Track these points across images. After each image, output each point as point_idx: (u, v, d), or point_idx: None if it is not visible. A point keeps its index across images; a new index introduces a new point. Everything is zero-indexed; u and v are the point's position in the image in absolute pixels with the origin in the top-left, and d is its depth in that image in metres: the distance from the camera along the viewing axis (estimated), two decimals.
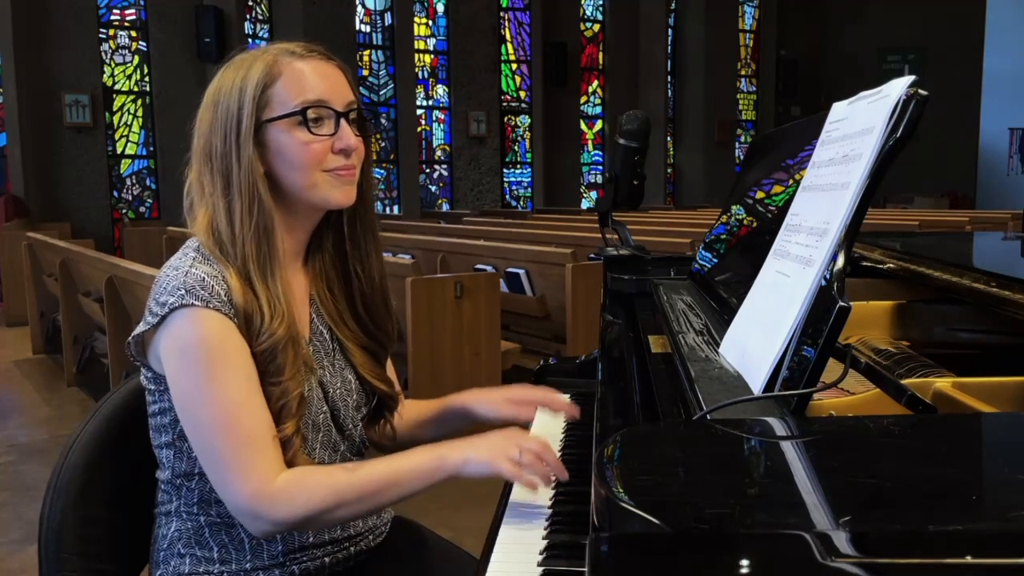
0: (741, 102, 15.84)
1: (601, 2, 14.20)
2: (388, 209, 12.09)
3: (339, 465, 1.20)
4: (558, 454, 1.31)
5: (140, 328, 1.13)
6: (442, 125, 12.76)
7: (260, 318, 1.12)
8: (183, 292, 1.09)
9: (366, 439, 1.32)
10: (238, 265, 1.13)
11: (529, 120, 13.54)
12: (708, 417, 0.81)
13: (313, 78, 1.16)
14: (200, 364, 1.09)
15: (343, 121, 1.17)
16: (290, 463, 1.12)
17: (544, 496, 1.15)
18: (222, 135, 1.14)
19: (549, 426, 1.50)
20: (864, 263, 1.52)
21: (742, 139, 15.75)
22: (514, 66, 13.35)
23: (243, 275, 1.13)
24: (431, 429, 1.42)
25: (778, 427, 0.74)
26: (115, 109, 9.91)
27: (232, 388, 1.09)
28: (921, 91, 0.79)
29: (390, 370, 1.36)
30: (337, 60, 1.22)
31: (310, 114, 1.14)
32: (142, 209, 10.22)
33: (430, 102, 12.62)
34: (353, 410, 1.27)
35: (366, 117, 1.23)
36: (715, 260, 1.47)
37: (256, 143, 1.14)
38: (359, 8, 11.59)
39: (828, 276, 0.81)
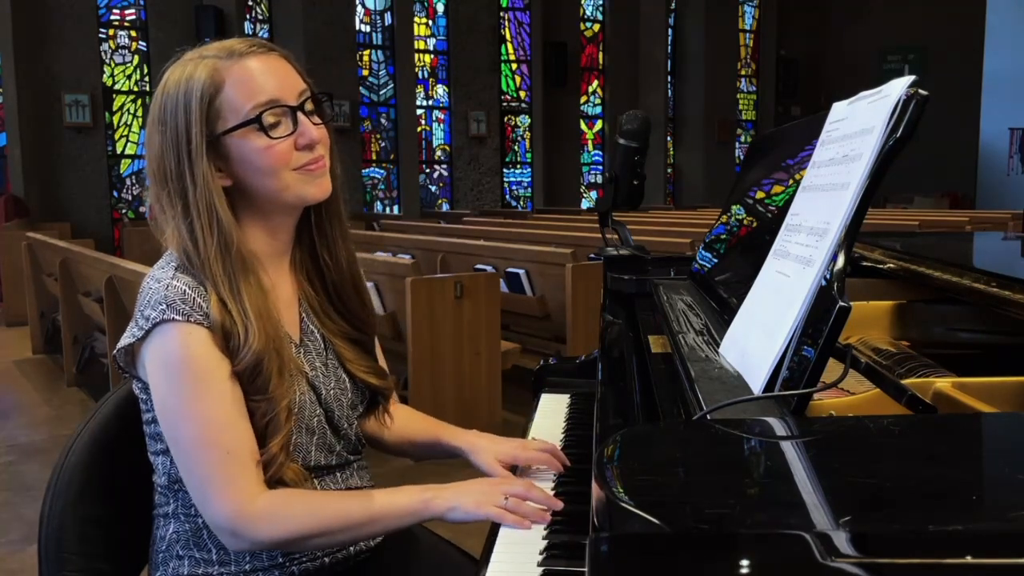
0: (741, 102, 15.84)
1: (601, 2, 14.20)
2: (388, 209, 12.09)
3: (325, 493, 1.20)
4: None
5: (126, 340, 1.12)
6: (442, 125, 12.76)
7: (237, 336, 1.10)
8: (164, 307, 1.08)
9: (363, 439, 1.32)
10: (211, 279, 1.11)
11: (529, 120, 13.54)
12: (708, 417, 0.81)
13: (260, 77, 1.12)
14: (182, 381, 1.08)
15: (300, 115, 1.13)
16: (277, 480, 1.11)
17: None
18: (174, 154, 1.10)
19: (549, 427, 1.51)
20: (864, 263, 1.52)
21: (742, 139, 15.74)
22: (514, 66, 13.34)
23: (216, 292, 1.11)
24: (421, 451, 1.41)
25: (778, 427, 0.74)
26: (115, 109, 9.91)
27: (213, 405, 1.08)
28: (921, 91, 0.79)
29: (380, 359, 1.35)
30: (279, 50, 1.17)
31: (265, 118, 1.11)
32: (142, 209, 10.20)
33: (430, 102, 12.62)
34: (348, 409, 1.26)
35: (321, 100, 1.18)
36: (715, 260, 1.47)
37: (216, 156, 1.12)
38: (359, 8, 11.59)
39: (828, 276, 0.81)
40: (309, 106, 1.16)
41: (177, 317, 1.07)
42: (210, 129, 1.10)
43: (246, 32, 10.33)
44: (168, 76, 1.14)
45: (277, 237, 1.21)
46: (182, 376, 1.08)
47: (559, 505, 1.10)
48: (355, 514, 1.10)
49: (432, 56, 12.58)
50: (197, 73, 1.11)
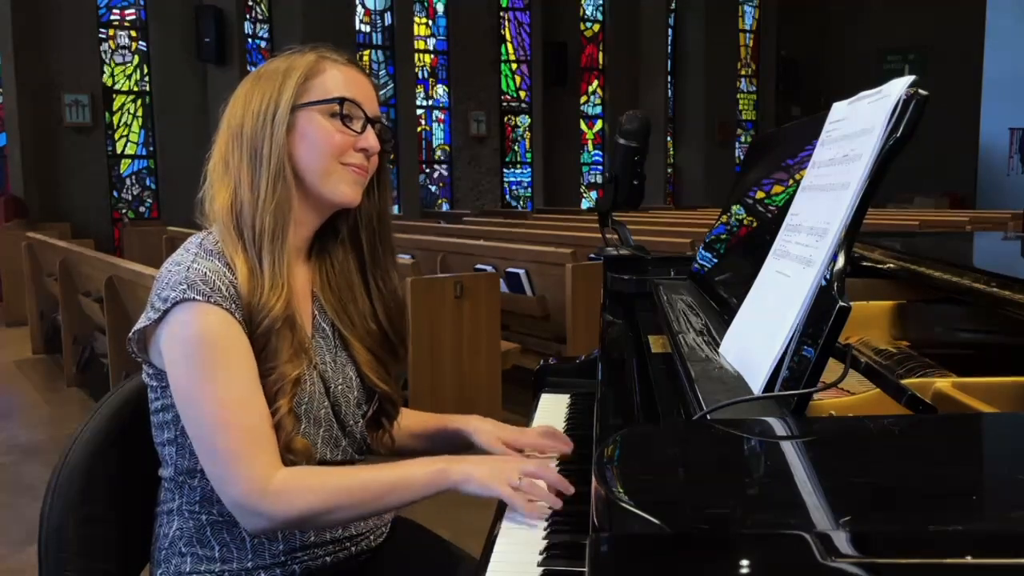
0: (741, 102, 15.84)
1: (601, 2, 14.20)
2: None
3: (341, 468, 1.21)
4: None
5: (141, 323, 1.13)
6: (442, 125, 12.76)
7: (261, 293, 1.13)
8: (185, 287, 1.09)
9: (367, 437, 1.32)
10: (252, 238, 1.15)
11: (529, 120, 13.54)
12: (708, 417, 0.81)
13: (352, 82, 1.23)
14: (201, 359, 1.09)
15: (369, 126, 1.22)
16: (284, 447, 1.12)
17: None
18: (261, 113, 1.18)
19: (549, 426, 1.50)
20: (864, 263, 1.52)
21: (742, 139, 15.74)
22: (514, 66, 13.34)
23: (255, 249, 1.15)
24: (426, 443, 1.43)
25: (778, 427, 0.74)
26: (115, 109, 9.91)
27: (233, 384, 1.09)
28: (921, 91, 0.79)
29: None
30: (371, 78, 1.29)
31: (345, 108, 1.19)
32: (142, 209, 10.22)
33: (430, 102, 12.62)
34: (355, 407, 1.27)
35: (386, 138, 1.27)
36: (715, 260, 1.47)
37: (287, 125, 1.18)
38: (359, 8, 11.59)
39: (828, 276, 0.81)
40: (378, 129, 1.25)
41: (197, 297, 1.09)
42: (296, 100, 1.18)
43: (246, 32, 10.33)
44: (272, 59, 1.25)
45: (297, 231, 1.23)
46: (201, 354, 1.09)
47: (571, 489, 1.09)
48: (374, 485, 1.11)
49: (432, 56, 12.58)
50: (305, 55, 1.23)
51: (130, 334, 1.16)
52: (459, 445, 1.39)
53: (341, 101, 1.19)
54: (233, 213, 1.17)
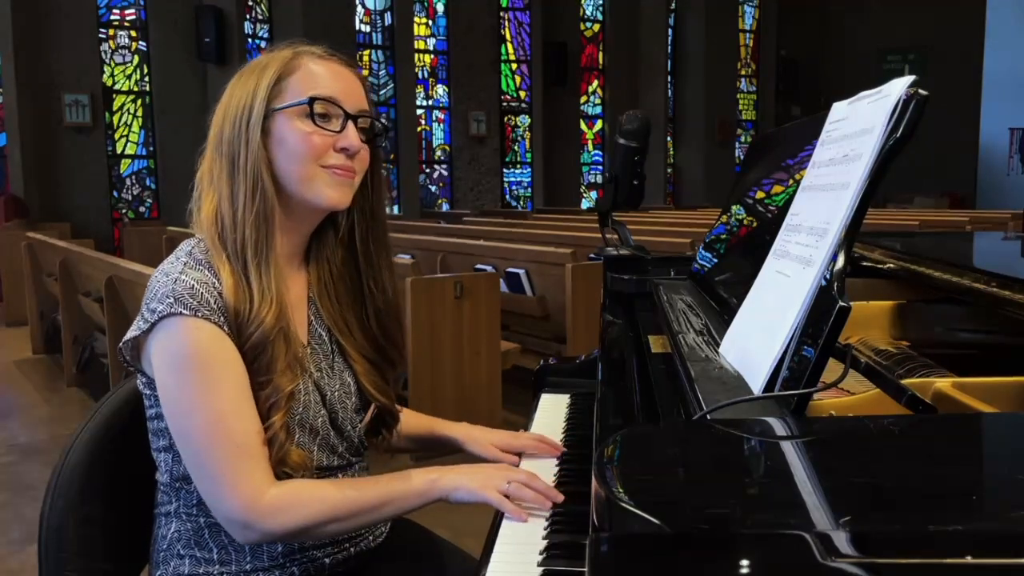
0: (741, 102, 15.84)
1: (601, 2, 14.20)
2: (388, 209, 12.03)
3: (333, 480, 1.20)
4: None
5: (131, 333, 1.12)
6: (442, 125, 12.76)
7: (250, 306, 1.11)
8: (171, 300, 1.08)
9: (365, 440, 1.32)
10: (236, 250, 1.13)
11: (529, 120, 13.54)
12: (708, 417, 0.81)
13: (328, 77, 1.18)
14: (189, 373, 1.08)
15: (350, 123, 1.18)
16: (279, 460, 1.11)
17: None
18: (234, 121, 1.16)
19: (549, 427, 1.50)
20: (864, 263, 1.52)
21: (742, 139, 15.74)
22: (514, 66, 13.35)
23: (239, 262, 1.13)
24: (417, 446, 1.44)
25: (778, 427, 0.74)
26: (115, 109, 9.91)
27: (222, 397, 1.08)
28: (921, 91, 0.79)
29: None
30: (357, 70, 1.24)
31: (317, 107, 1.15)
32: (142, 209, 10.22)
33: (430, 102, 12.62)
34: (352, 412, 1.26)
35: (376, 132, 1.24)
36: (715, 260, 1.46)
37: (263, 131, 1.16)
38: (359, 8, 11.59)
39: (828, 276, 0.81)
40: (362, 124, 1.21)
41: (184, 311, 1.07)
42: (269, 103, 1.15)
43: (246, 32, 10.33)
44: (252, 60, 1.22)
45: (289, 237, 1.22)
46: (189, 370, 1.08)
47: (560, 498, 1.10)
48: (366, 499, 1.12)
49: (432, 56, 12.58)
50: (280, 55, 1.19)
51: (120, 344, 1.15)
52: (449, 450, 1.40)
53: (311, 101, 1.15)
54: (217, 225, 1.15)
